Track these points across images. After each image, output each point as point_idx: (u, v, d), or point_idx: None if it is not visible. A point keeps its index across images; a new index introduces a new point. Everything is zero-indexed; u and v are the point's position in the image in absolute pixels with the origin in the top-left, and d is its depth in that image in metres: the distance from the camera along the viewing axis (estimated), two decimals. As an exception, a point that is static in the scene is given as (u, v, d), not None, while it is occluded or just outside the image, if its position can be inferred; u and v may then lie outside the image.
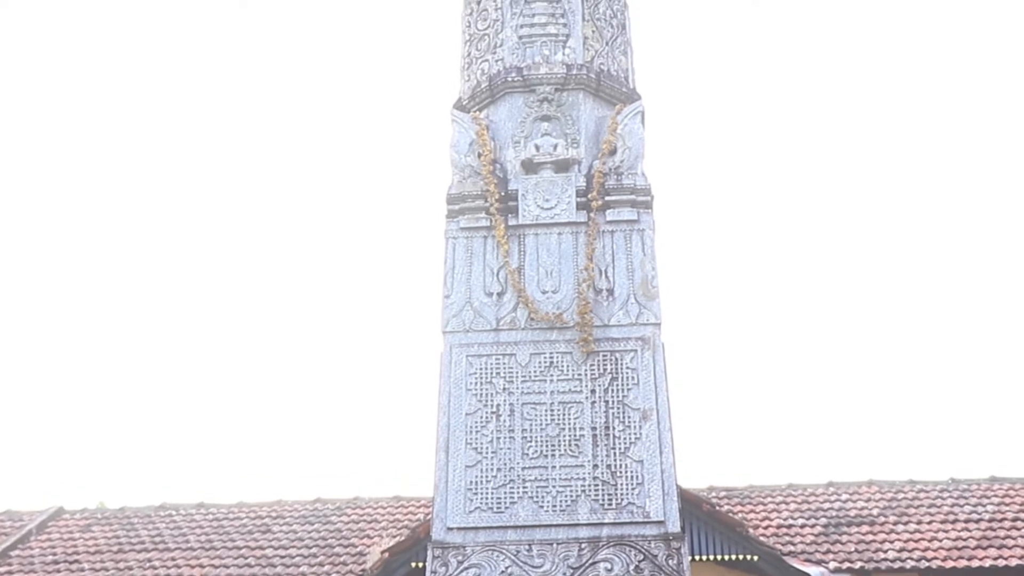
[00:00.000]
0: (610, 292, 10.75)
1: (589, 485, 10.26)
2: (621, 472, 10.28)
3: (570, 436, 10.39)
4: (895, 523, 19.83)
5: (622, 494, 10.24)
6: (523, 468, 10.35)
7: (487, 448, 10.42)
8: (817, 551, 19.06)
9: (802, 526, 19.97)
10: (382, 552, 17.56)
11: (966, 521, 19.80)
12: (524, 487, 10.31)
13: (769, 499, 21.00)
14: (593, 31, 11.64)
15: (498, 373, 10.62)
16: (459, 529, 10.25)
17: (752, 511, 20.46)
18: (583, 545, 10.16)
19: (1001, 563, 18.65)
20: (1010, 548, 18.94)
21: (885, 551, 19.01)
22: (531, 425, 10.44)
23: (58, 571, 19.53)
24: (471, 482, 10.35)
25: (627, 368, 10.55)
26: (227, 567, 19.20)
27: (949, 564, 18.63)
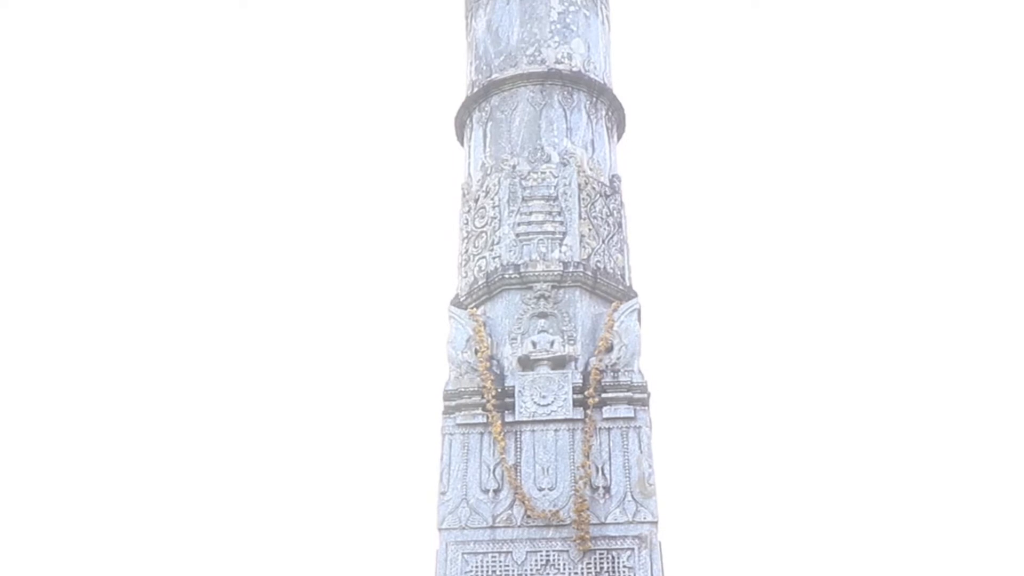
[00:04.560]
0: (607, 490, 10.71)
1: None
2: (618, 675, 10.11)
3: (566, 637, 10.24)
4: None
5: None
6: (519, 670, 10.18)
7: (482, 649, 10.26)
8: None
9: None
10: None
11: None
12: None
13: None
14: (590, 229, 11.79)
15: (494, 571, 10.52)
16: None
17: None
18: None
19: None
20: None
21: None
22: (527, 625, 10.30)
23: None
24: None
25: (624, 567, 10.45)
26: None
27: None
